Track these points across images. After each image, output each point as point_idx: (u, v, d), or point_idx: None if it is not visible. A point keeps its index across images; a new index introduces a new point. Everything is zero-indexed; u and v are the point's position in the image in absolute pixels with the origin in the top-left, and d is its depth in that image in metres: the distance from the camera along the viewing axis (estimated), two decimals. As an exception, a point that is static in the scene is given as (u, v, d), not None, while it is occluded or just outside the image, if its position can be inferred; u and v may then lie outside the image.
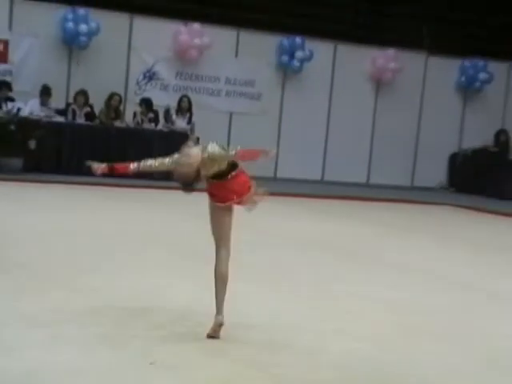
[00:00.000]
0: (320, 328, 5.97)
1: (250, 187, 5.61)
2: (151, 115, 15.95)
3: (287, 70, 18.24)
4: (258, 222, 11.47)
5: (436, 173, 19.65)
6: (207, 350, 5.14)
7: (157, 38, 16.80)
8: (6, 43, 15.76)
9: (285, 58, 18.04)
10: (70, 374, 4.46)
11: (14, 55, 15.82)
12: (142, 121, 15.81)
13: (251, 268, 8.04)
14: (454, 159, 19.92)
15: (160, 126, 16.03)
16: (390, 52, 18.80)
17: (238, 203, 5.57)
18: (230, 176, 5.49)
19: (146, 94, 16.70)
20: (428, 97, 19.50)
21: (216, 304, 5.39)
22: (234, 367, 4.85)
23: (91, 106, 15.47)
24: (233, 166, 5.53)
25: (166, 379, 4.54)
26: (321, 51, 18.22)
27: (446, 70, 19.47)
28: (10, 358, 4.64)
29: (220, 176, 5.50)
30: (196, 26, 17.08)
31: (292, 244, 9.85)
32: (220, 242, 5.51)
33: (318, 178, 18.74)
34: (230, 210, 5.55)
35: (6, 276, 6.76)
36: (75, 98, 15.43)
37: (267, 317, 6.15)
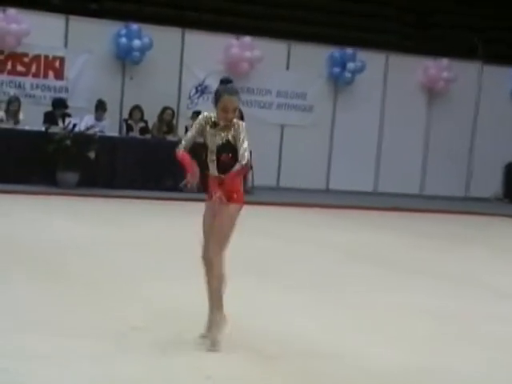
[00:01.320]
0: (368, 338, 6.20)
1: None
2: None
3: (338, 81, 18.52)
4: (309, 234, 11.80)
5: (491, 183, 19.74)
6: (259, 361, 5.37)
7: (208, 52, 17.23)
8: (61, 60, 16.41)
9: (336, 70, 18.32)
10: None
11: (70, 72, 16.45)
12: (194, 134, 16.20)
13: (299, 279, 8.33)
14: (509, 169, 19.97)
15: (212, 139, 16.38)
16: (443, 61, 18.98)
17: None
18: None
19: (198, 108, 17.13)
20: (482, 106, 19.62)
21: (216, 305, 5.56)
22: (287, 378, 5.08)
23: (146, 122, 15.99)
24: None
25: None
26: (372, 62, 18.44)
27: (500, 79, 19.57)
28: (73, 370, 4.93)
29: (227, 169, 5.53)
30: (247, 39, 17.50)
31: (342, 256, 10.09)
32: (227, 243, 5.59)
33: (370, 189, 18.95)
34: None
35: (64, 288, 7.14)
36: (131, 113, 15.97)
37: (314, 326, 6.40)
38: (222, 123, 5.52)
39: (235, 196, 5.52)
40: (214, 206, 5.55)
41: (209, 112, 5.69)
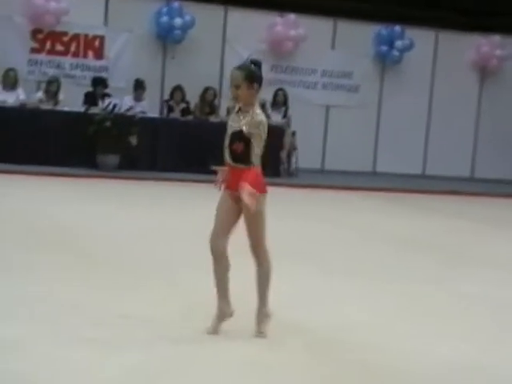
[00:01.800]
0: (421, 328, 6.00)
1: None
2: (245, 109, 16.10)
3: (386, 60, 18.15)
4: (355, 219, 11.54)
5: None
6: (313, 349, 5.23)
7: (251, 30, 16.98)
8: (101, 39, 16.26)
9: (383, 48, 17.96)
10: (169, 372, 4.63)
11: (110, 51, 16.29)
12: (237, 115, 15.97)
13: (346, 266, 8.11)
14: None
15: (255, 121, 16.16)
16: (496, 38, 18.49)
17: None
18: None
19: (242, 88, 16.89)
20: (537, 84, 19.11)
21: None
22: (333, 367, 4.94)
23: (187, 103, 15.76)
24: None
25: (265, 379, 4.66)
26: (421, 40, 18.06)
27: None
28: (113, 356, 4.84)
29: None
30: (291, 16, 17.19)
31: (391, 242, 9.84)
32: (264, 235, 5.35)
33: (419, 172, 18.60)
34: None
35: (102, 273, 7.00)
36: (172, 94, 15.75)
37: (366, 316, 6.20)
38: (243, 106, 5.25)
39: (254, 186, 5.16)
40: (232, 199, 5.28)
41: None
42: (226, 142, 5.30)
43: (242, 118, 5.24)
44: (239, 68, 5.27)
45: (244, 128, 5.20)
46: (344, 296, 6.84)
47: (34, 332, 5.15)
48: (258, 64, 5.30)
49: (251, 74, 5.23)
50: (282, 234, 9.74)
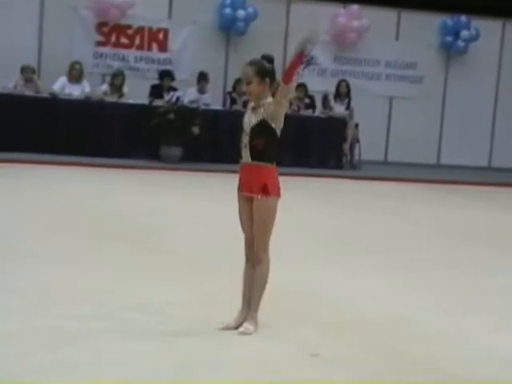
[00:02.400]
0: (484, 321, 5.94)
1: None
2: (307, 101, 16.09)
3: (451, 51, 17.93)
4: (418, 212, 11.43)
5: None
6: (368, 341, 5.22)
7: (314, 22, 16.80)
8: (165, 32, 16.39)
9: (449, 39, 17.73)
10: (230, 363, 4.66)
11: (174, 44, 16.42)
12: (299, 107, 15.98)
13: (412, 261, 8.04)
14: None
15: (317, 112, 16.16)
16: None
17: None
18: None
19: (304, 80, 16.85)
20: None
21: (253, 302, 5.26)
22: (395, 360, 4.91)
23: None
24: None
25: (329, 371, 4.66)
26: (488, 30, 17.78)
27: None
28: (170, 344, 4.89)
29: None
30: (355, 7, 17.09)
31: (454, 235, 9.72)
32: (269, 239, 5.21)
33: (485, 164, 18.32)
34: None
35: (165, 262, 7.07)
36: (235, 86, 15.79)
37: (428, 309, 6.15)
38: (255, 101, 5.15)
39: (270, 188, 5.11)
40: (247, 201, 5.21)
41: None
42: (245, 139, 5.14)
43: (257, 112, 5.12)
44: (250, 63, 5.16)
45: (264, 115, 5.06)
46: (403, 289, 6.79)
47: (97, 325, 5.24)
48: (269, 59, 5.20)
49: (262, 69, 5.12)
50: (342, 225, 9.74)
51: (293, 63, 5.05)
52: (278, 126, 5.13)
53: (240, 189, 5.27)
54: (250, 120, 5.16)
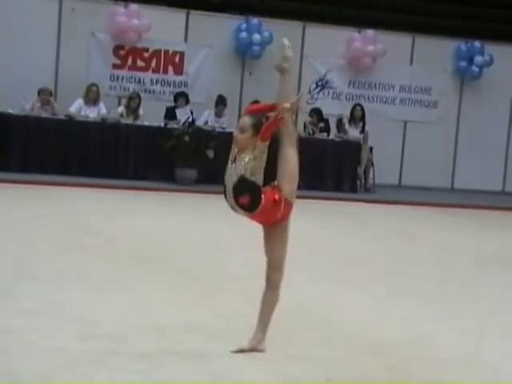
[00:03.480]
0: (507, 346, 5.86)
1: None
2: (322, 125, 16.09)
3: (465, 76, 17.91)
4: (432, 235, 11.37)
5: None
6: (385, 365, 5.17)
7: (329, 46, 16.95)
8: (181, 55, 16.45)
9: (463, 64, 17.72)
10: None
11: (189, 67, 16.47)
12: (313, 131, 15.98)
13: (425, 284, 7.98)
14: None
15: (332, 136, 16.15)
16: None
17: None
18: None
19: (318, 103, 16.91)
20: None
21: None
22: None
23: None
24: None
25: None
26: (501, 55, 17.75)
27: None
28: (194, 366, 4.84)
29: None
30: (370, 32, 17.11)
31: (469, 258, 9.66)
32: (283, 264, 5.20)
33: (499, 188, 18.24)
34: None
35: (180, 285, 7.04)
36: (249, 110, 15.77)
37: (447, 334, 6.09)
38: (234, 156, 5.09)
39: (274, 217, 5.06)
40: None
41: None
42: (230, 201, 5.06)
43: (237, 166, 5.01)
44: (250, 116, 5.14)
45: (243, 171, 4.95)
46: (420, 313, 6.73)
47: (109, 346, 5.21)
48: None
49: (259, 124, 5.06)
50: (357, 249, 9.69)
51: (269, 124, 5.03)
52: (256, 172, 5.02)
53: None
54: (230, 172, 5.04)
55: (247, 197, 4.98)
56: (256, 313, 5.28)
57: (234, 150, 5.11)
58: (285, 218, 5.13)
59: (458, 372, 5.19)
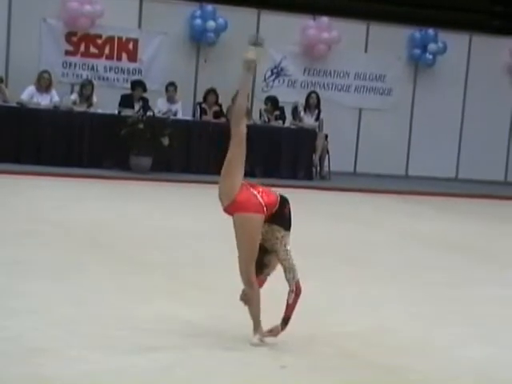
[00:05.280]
0: (458, 332, 5.87)
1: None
2: (277, 113, 16.03)
3: (419, 63, 17.99)
4: (387, 222, 11.40)
5: None
6: (341, 352, 5.14)
7: (284, 33, 16.87)
8: (135, 42, 16.25)
9: (417, 52, 17.79)
10: (204, 375, 4.55)
11: (144, 54, 16.28)
12: (269, 119, 15.92)
13: (385, 270, 7.98)
14: None
15: (287, 124, 16.10)
16: (530, 42, 18.24)
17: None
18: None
19: (274, 91, 16.83)
20: None
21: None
22: (368, 371, 4.84)
23: (220, 105, 15.69)
24: None
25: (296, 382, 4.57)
26: (455, 43, 17.85)
27: None
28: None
29: None
30: (324, 19, 17.07)
31: (424, 245, 9.70)
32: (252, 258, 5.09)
33: (453, 175, 18.38)
34: None
35: (142, 277, 6.94)
36: (206, 97, 15.66)
37: (403, 320, 6.08)
38: None
39: (242, 205, 5.05)
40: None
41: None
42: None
43: None
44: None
45: None
46: (378, 300, 6.72)
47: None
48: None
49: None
50: (314, 237, 9.65)
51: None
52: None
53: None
54: None
55: None
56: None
57: None
58: (230, 210, 5.09)
59: (412, 358, 5.18)
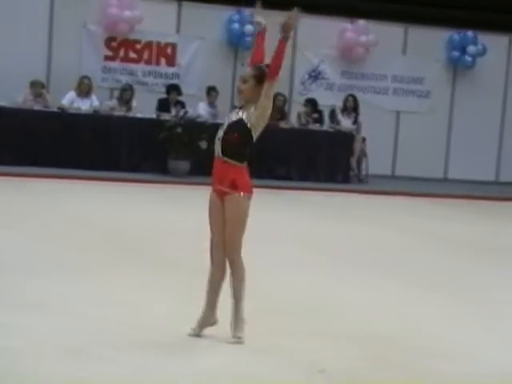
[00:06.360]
0: (480, 336, 5.86)
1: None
2: (316, 115, 16.04)
3: (458, 66, 17.87)
4: (425, 226, 11.34)
5: None
6: (373, 354, 5.14)
7: (322, 37, 16.89)
8: (174, 47, 16.38)
9: (455, 54, 17.68)
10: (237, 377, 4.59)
11: (182, 59, 16.40)
12: (307, 121, 15.94)
13: (418, 273, 7.96)
14: None
15: (325, 126, 16.10)
16: None
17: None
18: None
19: (311, 94, 16.85)
20: None
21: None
22: (399, 373, 4.84)
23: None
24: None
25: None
26: (494, 45, 17.72)
27: None
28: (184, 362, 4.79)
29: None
30: (362, 22, 17.04)
31: (461, 249, 9.64)
32: (242, 239, 5.15)
33: (492, 178, 18.21)
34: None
35: (176, 278, 6.99)
36: (242, 101, 15.72)
37: (436, 323, 6.07)
38: (239, 101, 5.21)
39: (239, 184, 5.07)
40: (218, 198, 5.15)
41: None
42: (220, 133, 5.15)
43: (239, 113, 5.13)
44: (253, 67, 5.20)
45: (244, 116, 5.08)
46: (413, 304, 6.71)
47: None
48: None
49: (261, 74, 5.11)
50: (352, 240, 9.65)
51: (279, 50, 5.11)
52: (256, 131, 5.13)
53: (214, 183, 5.20)
54: (229, 118, 5.18)
55: (236, 136, 5.05)
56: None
57: (241, 102, 5.20)
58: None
59: (446, 360, 5.17)
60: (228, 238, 5.09)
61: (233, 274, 5.15)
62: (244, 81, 5.12)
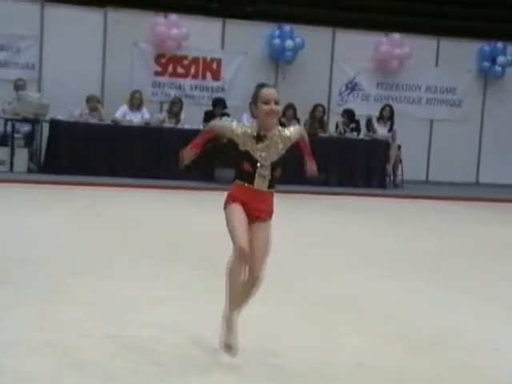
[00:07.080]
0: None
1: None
2: (353, 125, 16.13)
3: (488, 75, 17.85)
4: (460, 229, 11.36)
5: None
6: (414, 348, 5.22)
7: (358, 50, 17.00)
8: (218, 62, 16.61)
9: (486, 64, 17.66)
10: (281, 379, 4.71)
11: (226, 73, 16.61)
12: (345, 130, 16.04)
13: (456, 276, 8.00)
14: None
15: (362, 135, 16.18)
16: None
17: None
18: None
19: (348, 105, 16.95)
20: None
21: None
22: (441, 369, 4.88)
23: (298, 120, 15.89)
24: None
25: (371, 380, 4.68)
26: (524, 55, 17.67)
27: None
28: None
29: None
30: (396, 36, 17.12)
31: (495, 252, 9.64)
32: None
33: (522, 182, 18.16)
34: None
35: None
36: (284, 112, 15.85)
37: (476, 322, 6.12)
38: (266, 128, 4.71)
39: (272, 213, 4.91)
40: (248, 218, 4.81)
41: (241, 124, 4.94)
42: (265, 172, 4.76)
43: (274, 143, 4.79)
44: (271, 86, 4.91)
45: (284, 152, 4.81)
46: (454, 303, 6.75)
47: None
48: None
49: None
50: (388, 244, 9.71)
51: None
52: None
53: (243, 204, 4.82)
54: (269, 153, 4.77)
55: (280, 171, 4.86)
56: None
57: (272, 125, 4.79)
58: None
59: (487, 357, 5.22)
60: (262, 258, 4.86)
61: (254, 286, 4.92)
62: (277, 102, 4.78)
